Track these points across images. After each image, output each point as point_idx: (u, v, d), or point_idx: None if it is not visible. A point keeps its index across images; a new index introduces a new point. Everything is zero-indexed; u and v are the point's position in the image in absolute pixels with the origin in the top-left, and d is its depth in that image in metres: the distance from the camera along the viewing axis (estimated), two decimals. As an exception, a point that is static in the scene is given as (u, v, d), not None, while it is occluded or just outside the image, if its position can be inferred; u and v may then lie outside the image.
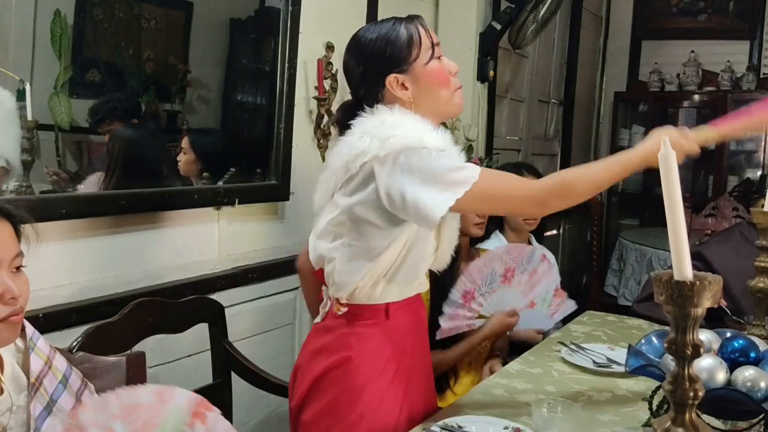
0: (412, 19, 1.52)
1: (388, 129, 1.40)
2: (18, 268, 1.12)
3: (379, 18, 2.81)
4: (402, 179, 1.36)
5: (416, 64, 1.48)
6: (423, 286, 1.59)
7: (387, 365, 1.51)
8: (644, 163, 1.38)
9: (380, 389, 1.49)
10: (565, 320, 2.33)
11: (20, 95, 1.62)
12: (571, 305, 2.24)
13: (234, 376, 2.00)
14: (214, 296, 2.11)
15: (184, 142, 2.04)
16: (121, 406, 0.98)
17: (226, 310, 2.02)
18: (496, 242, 2.50)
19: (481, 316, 2.06)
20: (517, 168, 2.55)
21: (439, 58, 1.51)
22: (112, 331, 1.64)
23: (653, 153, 1.26)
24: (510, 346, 2.25)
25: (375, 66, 1.50)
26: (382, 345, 1.51)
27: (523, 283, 2.09)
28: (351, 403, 1.48)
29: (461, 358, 2.10)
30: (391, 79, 1.48)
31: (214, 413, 1.05)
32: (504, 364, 2.03)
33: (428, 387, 1.64)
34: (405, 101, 1.48)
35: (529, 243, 2.58)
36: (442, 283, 2.03)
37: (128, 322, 1.69)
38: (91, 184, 1.80)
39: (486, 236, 2.55)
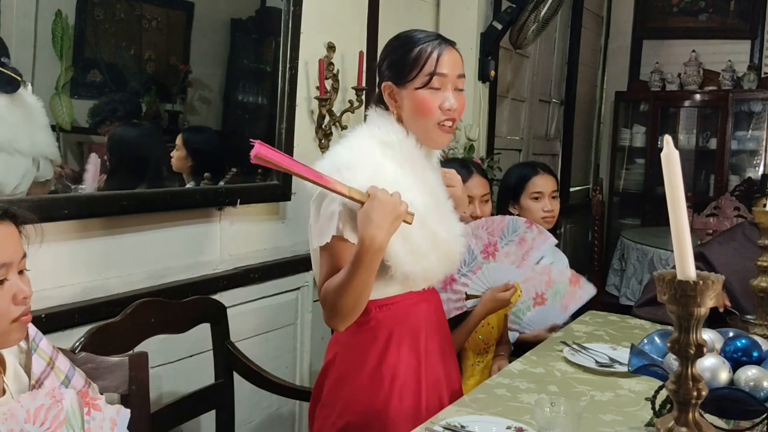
0: (440, 42, 1.54)
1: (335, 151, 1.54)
2: (22, 271, 1.14)
3: (380, 19, 2.84)
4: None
5: (411, 84, 1.52)
6: (414, 285, 1.56)
7: (366, 361, 1.56)
8: (363, 266, 1.39)
9: (360, 385, 1.55)
10: (569, 318, 2.33)
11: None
12: (589, 290, 2.20)
13: (236, 376, 2.00)
14: (216, 296, 2.11)
15: (178, 139, 2.05)
16: (26, 412, 1.04)
17: (228, 310, 2.02)
18: None
19: (470, 297, 2.04)
20: (533, 167, 2.53)
21: (437, 89, 1.50)
22: (114, 331, 1.65)
23: (371, 243, 1.37)
24: (519, 347, 2.24)
25: (384, 67, 1.57)
26: (361, 338, 1.56)
27: (513, 254, 2.05)
28: (332, 394, 1.59)
29: (460, 345, 2.07)
30: (386, 85, 1.55)
31: (101, 400, 1.14)
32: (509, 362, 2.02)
33: (433, 386, 1.63)
34: (391, 111, 1.55)
35: None
36: None
37: (130, 322, 1.70)
38: (92, 173, 1.81)
39: None
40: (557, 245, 2.31)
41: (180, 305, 1.88)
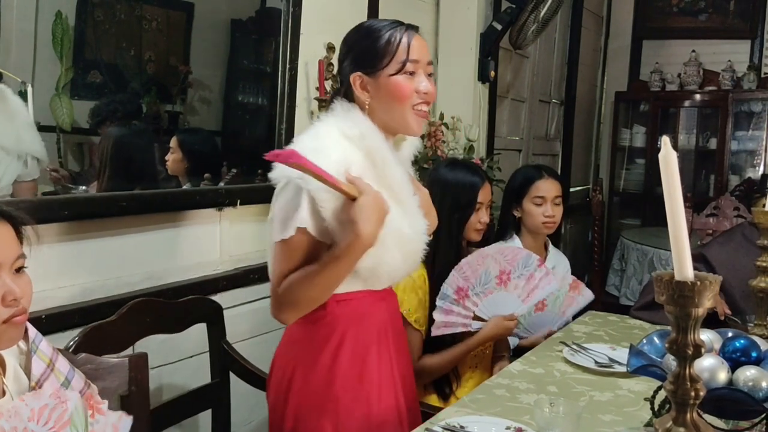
0: (407, 28, 1.53)
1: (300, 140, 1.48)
2: (20, 270, 1.12)
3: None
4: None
5: (383, 71, 1.49)
6: (376, 283, 1.55)
7: (321, 356, 1.53)
8: (347, 259, 1.40)
9: (316, 376, 1.53)
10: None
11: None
12: (587, 296, 2.21)
13: (233, 377, 2.00)
14: (216, 297, 2.11)
15: (173, 141, 2.05)
16: (30, 410, 1.03)
17: (227, 311, 2.01)
18: (512, 245, 2.48)
19: (476, 318, 2.05)
20: (538, 171, 2.53)
21: (411, 74, 1.49)
22: (109, 331, 1.64)
23: (366, 239, 1.37)
24: (517, 352, 2.24)
25: (350, 58, 1.54)
26: (316, 332, 1.54)
27: (521, 288, 2.06)
28: (285, 386, 1.58)
29: (456, 362, 2.08)
30: (355, 77, 1.52)
31: (104, 404, 1.14)
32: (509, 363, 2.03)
33: (388, 386, 1.60)
34: (363, 103, 1.52)
35: (546, 248, 2.57)
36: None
37: (125, 322, 1.69)
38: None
39: (501, 237, 2.54)
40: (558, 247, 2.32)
41: (176, 305, 1.87)
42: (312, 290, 1.45)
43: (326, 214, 1.42)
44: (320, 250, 1.45)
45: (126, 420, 1.15)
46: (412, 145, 1.67)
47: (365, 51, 1.51)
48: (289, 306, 1.48)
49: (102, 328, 1.63)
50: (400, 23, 1.54)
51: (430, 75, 1.54)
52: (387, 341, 1.59)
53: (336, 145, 1.46)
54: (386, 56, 1.49)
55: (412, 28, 1.54)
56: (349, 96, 1.54)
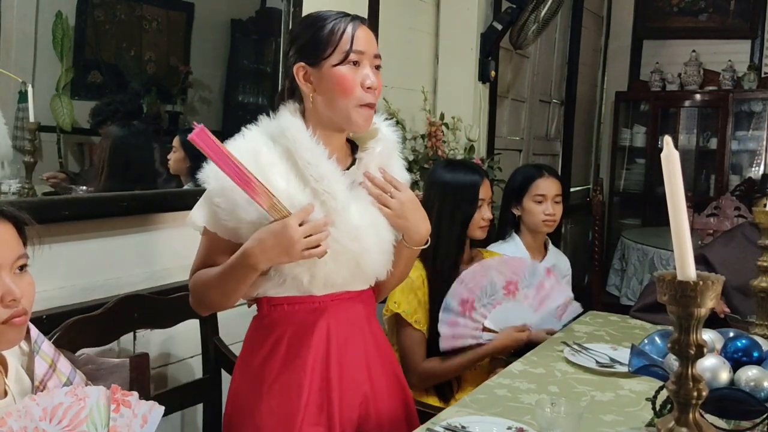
0: (352, 18, 1.47)
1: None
2: (22, 269, 1.11)
3: (380, 19, 2.83)
4: None
5: (326, 62, 1.43)
6: (309, 288, 1.45)
7: (254, 357, 1.52)
8: (237, 274, 1.37)
9: (248, 376, 1.53)
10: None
11: (22, 97, 1.63)
12: (576, 307, 2.23)
13: (224, 374, 2.00)
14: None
15: (175, 141, 2.05)
16: (42, 410, 1.02)
17: (226, 311, 2.01)
18: (512, 244, 2.48)
19: (486, 329, 2.05)
20: (538, 169, 2.53)
21: (356, 64, 1.43)
22: (93, 324, 1.63)
23: (248, 258, 1.35)
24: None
25: (294, 49, 1.49)
26: (256, 333, 1.54)
27: (531, 298, 2.07)
28: (233, 373, 1.60)
29: (464, 370, 2.08)
30: (299, 67, 1.46)
31: (134, 396, 1.11)
32: (506, 364, 2.03)
33: (350, 393, 1.51)
34: (307, 95, 1.46)
35: (545, 247, 2.57)
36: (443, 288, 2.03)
37: (111, 316, 1.68)
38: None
39: (501, 237, 2.54)
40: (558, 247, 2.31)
41: (165, 301, 1.86)
42: (211, 293, 1.45)
43: (223, 215, 1.39)
44: (235, 250, 1.40)
45: (157, 411, 1.12)
46: (384, 140, 1.55)
47: (309, 41, 1.45)
48: (196, 301, 1.51)
49: (85, 321, 1.62)
50: (347, 14, 1.49)
51: (377, 68, 1.47)
52: (327, 351, 1.48)
53: (236, 145, 1.43)
54: (329, 46, 1.43)
55: (359, 19, 1.48)
56: (294, 90, 1.49)
